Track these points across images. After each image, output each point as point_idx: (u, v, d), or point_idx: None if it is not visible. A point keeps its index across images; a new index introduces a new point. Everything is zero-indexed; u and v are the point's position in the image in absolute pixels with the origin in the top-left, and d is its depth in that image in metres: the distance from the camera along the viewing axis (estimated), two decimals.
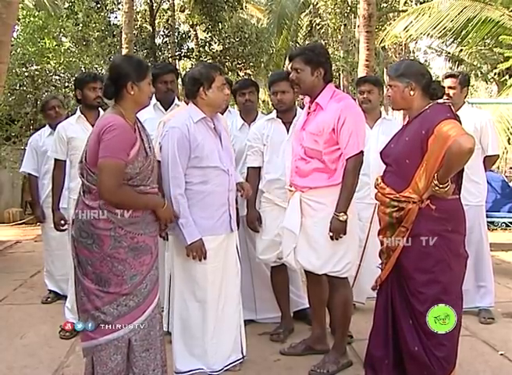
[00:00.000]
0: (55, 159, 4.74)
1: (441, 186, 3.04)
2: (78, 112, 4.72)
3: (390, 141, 3.42)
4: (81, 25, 16.49)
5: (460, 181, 3.27)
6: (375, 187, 3.39)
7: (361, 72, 10.85)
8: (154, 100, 4.64)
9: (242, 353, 3.83)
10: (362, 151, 3.62)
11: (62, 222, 4.71)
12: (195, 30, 22.11)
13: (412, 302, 3.18)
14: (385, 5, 19.87)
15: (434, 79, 3.37)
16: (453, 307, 3.16)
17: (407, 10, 14.62)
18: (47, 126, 5.67)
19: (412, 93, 3.26)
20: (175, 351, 3.63)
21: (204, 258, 3.53)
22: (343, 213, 3.54)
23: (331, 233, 3.57)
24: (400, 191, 3.18)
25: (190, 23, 21.20)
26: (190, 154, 3.49)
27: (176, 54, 20.59)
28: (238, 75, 20.02)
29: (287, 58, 4.05)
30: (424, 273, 3.14)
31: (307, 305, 4.41)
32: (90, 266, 2.97)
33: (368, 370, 3.44)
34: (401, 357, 3.27)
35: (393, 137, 3.43)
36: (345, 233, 3.59)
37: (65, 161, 4.68)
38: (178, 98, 4.82)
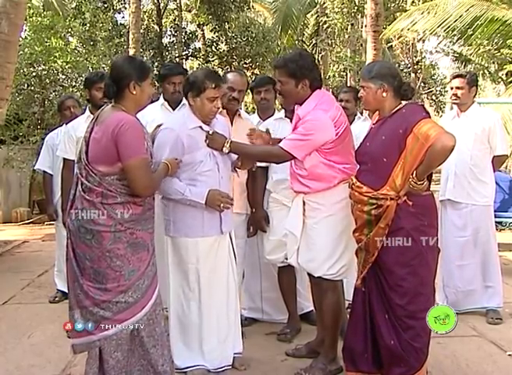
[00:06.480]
0: (64, 159, 4.74)
1: (419, 183, 3.16)
2: (87, 111, 4.72)
3: (365, 140, 3.48)
4: (88, 25, 16.58)
5: (431, 177, 3.34)
6: (350, 187, 3.43)
7: None
8: (161, 100, 4.65)
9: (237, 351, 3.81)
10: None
11: None
12: (202, 30, 22.16)
13: (391, 296, 3.26)
14: (392, 4, 19.82)
15: (404, 81, 3.46)
16: (429, 298, 3.29)
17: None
18: (64, 125, 5.67)
19: (385, 94, 3.34)
20: (173, 348, 3.62)
21: (230, 199, 3.61)
22: None
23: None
24: (378, 188, 3.26)
25: (197, 22, 21.25)
26: (181, 157, 3.50)
27: (183, 54, 20.64)
28: (245, 75, 20.02)
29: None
30: (404, 267, 3.23)
31: (311, 308, 4.42)
32: (88, 261, 2.98)
33: (348, 364, 3.48)
34: (379, 351, 3.35)
35: (367, 135, 3.50)
36: None
37: (74, 160, 4.68)
38: None
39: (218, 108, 3.63)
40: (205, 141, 3.58)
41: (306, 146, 3.50)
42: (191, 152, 3.53)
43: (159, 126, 3.66)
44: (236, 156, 3.77)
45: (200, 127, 3.60)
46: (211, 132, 3.59)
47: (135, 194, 3.03)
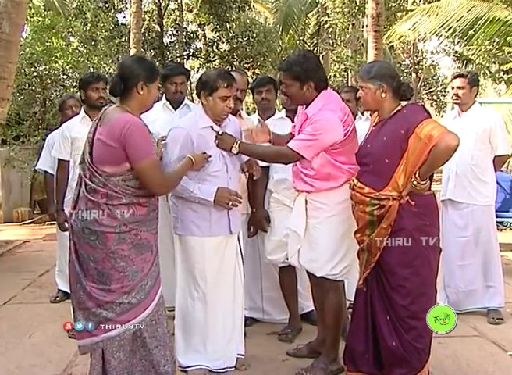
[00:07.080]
0: (59, 159, 4.74)
1: (422, 182, 3.18)
2: (82, 112, 4.73)
3: (365, 142, 3.48)
4: (89, 25, 16.59)
5: (432, 177, 3.35)
6: (351, 188, 3.43)
7: None
8: (163, 100, 4.66)
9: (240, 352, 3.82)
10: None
11: (66, 223, 4.71)
12: (203, 30, 22.17)
13: (393, 297, 3.26)
14: (393, 4, 19.82)
15: (403, 81, 3.47)
16: (431, 298, 3.31)
17: (415, 9, 14.57)
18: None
19: (384, 95, 3.34)
20: (177, 347, 3.65)
21: (238, 196, 3.63)
22: None
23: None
24: (380, 189, 3.26)
25: (198, 22, 21.25)
26: None
27: (184, 53, 20.65)
28: (246, 74, 20.02)
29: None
30: (406, 267, 3.24)
31: (312, 308, 4.41)
32: (92, 262, 2.97)
33: (349, 364, 3.48)
34: (380, 351, 3.35)
35: (368, 137, 3.50)
36: None
37: (68, 161, 4.68)
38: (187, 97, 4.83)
39: (231, 107, 3.63)
40: (215, 141, 3.59)
41: (315, 146, 3.50)
42: (200, 152, 3.53)
43: (163, 138, 3.69)
44: (246, 158, 3.77)
45: (211, 127, 3.60)
46: (220, 132, 3.59)
47: (151, 194, 3.06)
